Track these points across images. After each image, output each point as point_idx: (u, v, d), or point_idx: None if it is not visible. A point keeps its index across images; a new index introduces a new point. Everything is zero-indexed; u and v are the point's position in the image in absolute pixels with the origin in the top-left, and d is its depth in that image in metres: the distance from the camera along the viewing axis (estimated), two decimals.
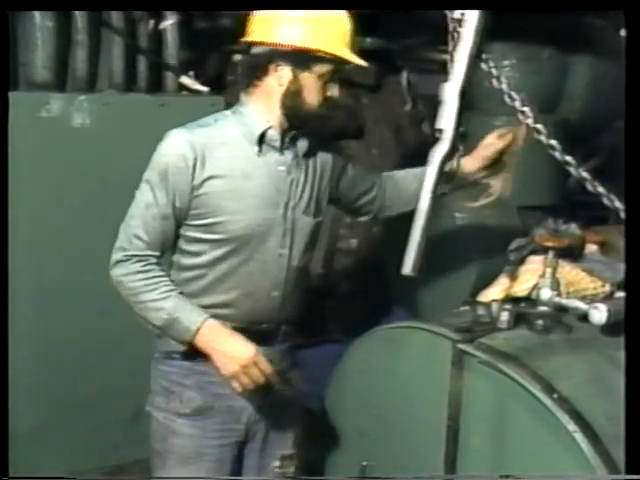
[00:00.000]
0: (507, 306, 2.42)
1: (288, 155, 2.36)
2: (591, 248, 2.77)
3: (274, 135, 2.33)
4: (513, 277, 2.63)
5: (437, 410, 2.36)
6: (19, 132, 3.16)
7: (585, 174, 2.25)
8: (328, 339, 3.68)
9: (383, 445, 2.59)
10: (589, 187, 2.32)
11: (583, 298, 2.51)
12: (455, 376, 2.32)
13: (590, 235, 2.81)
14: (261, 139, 2.33)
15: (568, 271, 2.59)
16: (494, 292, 2.63)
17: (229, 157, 2.30)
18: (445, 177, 2.32)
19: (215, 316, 2.32)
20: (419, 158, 3.93)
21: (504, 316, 2.40)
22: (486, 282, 2.73)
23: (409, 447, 2.50)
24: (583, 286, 2.60)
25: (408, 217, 2.79)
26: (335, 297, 3.71)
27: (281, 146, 2.35)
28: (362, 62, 2.33)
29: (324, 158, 2.48)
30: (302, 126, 2.37)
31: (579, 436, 2.08)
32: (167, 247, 2.35)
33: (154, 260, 2.31)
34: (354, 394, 2.72)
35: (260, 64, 2.30)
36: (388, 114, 3.98)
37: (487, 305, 2.44)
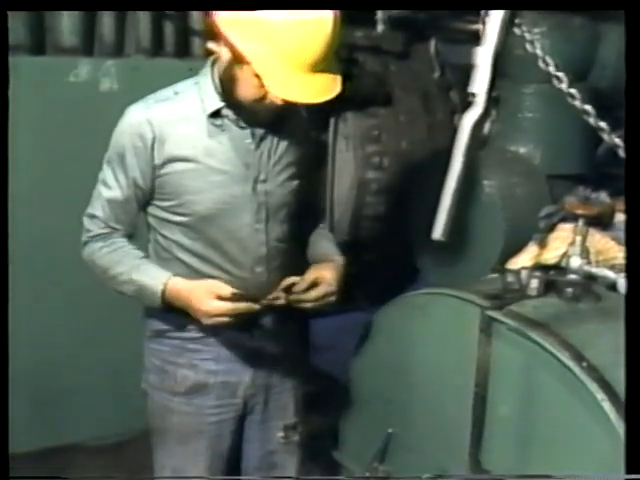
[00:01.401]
0: (537, 273, 2.40)
1: (257, 128, 2.27)
2: (620, 217, 2.75)
3: (230, 114, 2.24)
4: (543, 245, 2.61)
5: (464, 377, 2.35)
6: (47, 97, 3.20)
7: (618, 140, 2.24)
8: (354, 307, 3.68)
9: (410, 412, 2.59)
10: (621, 153, 2.30)
11: (612, 267, 2.49)
12: (483, 343, 2.31)
13: (620, 204, 2.78)
14: (217, 115, 2.23)
15: (598, 239, 2.57)
16: (523, 259, 2.61)
17: (190, 134, 2.22)
18: (477, 141, 2.29)
19: None
20: (447, 126, 3.97)
21: (534, 283, 2.38)
22: (515, 249, 2.71)
23: (436, 414, 2.49)
24: (612, 255, 2.58)
25: (435, 184, 2.79)
26: (361, 265, 3.70)
27: (241, 123, 2.25)
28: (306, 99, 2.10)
29: (301, 127, 2.39)
30: (245, 114, 2.24)
31: (607, 405, 2.07)
32: (131, 225, 2.32)
33: (117, 234, 2.30)
34: (381, 361, 2.71)
35: (215, 33, 2.13)
36: (416, 82, 3.95)
37: (516, 272, 2.43)
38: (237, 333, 2.36)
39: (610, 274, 2.41)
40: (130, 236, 2.34)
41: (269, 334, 2.43)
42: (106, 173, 2.30)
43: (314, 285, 2.30)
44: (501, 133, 3.15)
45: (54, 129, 3.24)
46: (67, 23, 3.36)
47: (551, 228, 2.65)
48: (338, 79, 2.12)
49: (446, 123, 3.89)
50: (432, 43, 4.10)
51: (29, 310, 3.12)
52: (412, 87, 3.93)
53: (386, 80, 3.84)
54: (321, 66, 2.07)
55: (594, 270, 2.43)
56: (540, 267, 2.50)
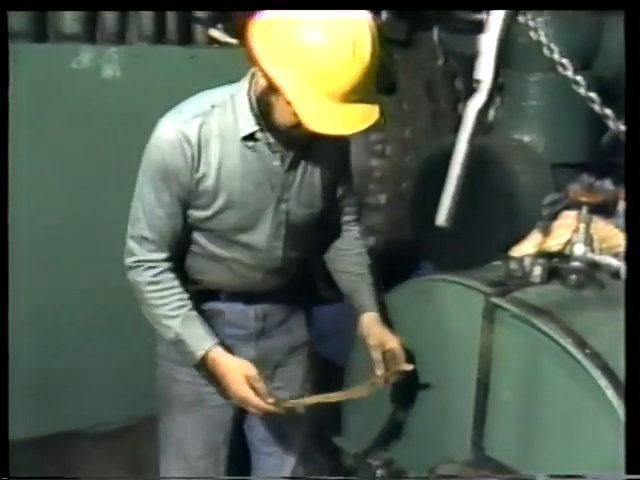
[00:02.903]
0: (540, 261, 2.39)
1: (288, 151, 2.26)
2: (624, 205, 2.74)
3: (262, 137, 2.23)
4: (546, 232, 2.59)
5: (467, 364, 2.35)
6: (49, 84, 3.20)
7: (623, 127, 2.23)
8: None
9: (412, 398, 2.58)
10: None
11: (616, 255, 2.47)
12: (486, 329, 2.30)
13: (624, 192, 2.77)
14: (250, 137, 2.22)
15: (602, 227, 2.56)
16: (527, 247, 2.60)
17: (222, 152, 2.22)
18: (481, 128, 2.28)
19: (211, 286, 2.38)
20: (451, 114, 3.96)
21: (537, 271, 2.37)
22: (519, 237, 2.70)
23: (438, 400, 2.49)
24: (616, 243, 2.56)
25: (439, 172, 2.79)
26: None
27: (273, 147, 2.25)
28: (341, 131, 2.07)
29: (328, 153, 2.35)
30: (279, 138, 2.23)
31: (610, 392, 2.06)
32: (176, 244, 2.32)
33: (165, 266, 2.31)
34: None
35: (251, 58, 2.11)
36: (420, 70, 3.96)
37: (520, 259, 2.42)
38: (243, 312, 2.45)
39: (614, 262, 2.40)
40: (175, 269, 2.33)
41: (275, 316, 2.51)
42: (148, 194, 2.26)
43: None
44: (505, 121, 3.14)
45: (56, 116, 3.24)
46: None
47: (555, 216, 2.63)
48: (375, 108, 2.08)
49: (450, 111, 3.88)
50: (435, 31, 4.09)
51: (29, 296, 3.11)
52: (416, 75, 3.93)
53: (390, 68, 3.84)
54: (356, 96, 2.03)
55: (598, 258, 2.42)
56: (544, 254, 2.48)
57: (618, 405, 2.04)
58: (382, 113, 2.09)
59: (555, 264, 2.43)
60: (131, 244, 2.31)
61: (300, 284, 2.59)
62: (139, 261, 2.30)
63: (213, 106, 2.23)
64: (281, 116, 2.13)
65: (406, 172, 3.64)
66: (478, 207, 3.01)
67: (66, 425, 3.36)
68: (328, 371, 2.92)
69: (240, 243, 2.35)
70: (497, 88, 2.31)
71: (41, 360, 3.29)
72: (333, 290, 2.67)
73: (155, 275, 2.29)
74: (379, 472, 2.42)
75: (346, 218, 2.58)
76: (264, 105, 2.17)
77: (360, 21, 2.02)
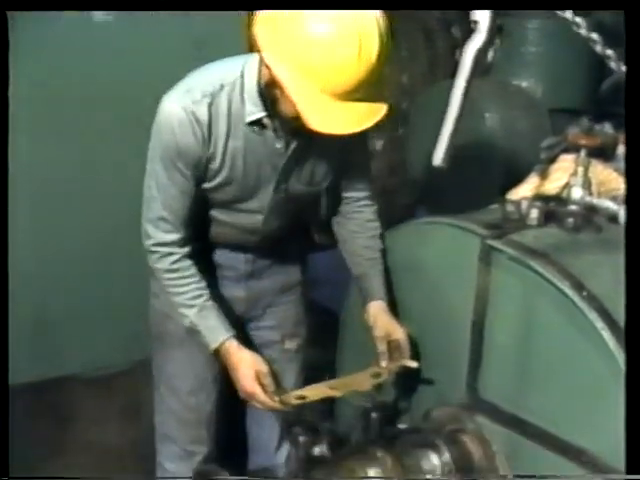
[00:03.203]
0: (537, 204, 2.37)
1: (293, 136, 2.25)
2: (624, 148, 2.71)
3: (268, 123, 2.21)
4: (544, 175, 2.57)
5: (463, 306, 2.34)
6: (41, 29, 3.16)
7: (624, 68, 2.20)
8: None
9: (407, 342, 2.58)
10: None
11: (614, 198, 2.46)
12: (482, 272, 2.29)
13: (623, 136, 2.75)
14: (256, 122, 2.21)
15: (600, 170, 2.53)
16: (524, 190, 2.58)
17: (228, 131, 2.21)
18: (479, 68, 2.25)
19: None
20: (448, 60, 3.93)
21: (534, 213, 2.35)
22: (516, 181, 2.68)
23: (434, 343, 2.49)
24: (614, 186, 2.54)
25: (434, 119, 2.76)
26: None
27: (279, 133, 2.23)
28: (342, 130, 2.04)
29: (336, 140, 2.23)
30: (284, 125, 2.21)
31: (607, 334, 2.05)
32: (191, 221, 2.32)
33: (183, 252, 2.31)
34: None
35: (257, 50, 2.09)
36: (417, 17, 3.92)
37: (517, 202, 2.40)
38: (234, 256, 2.48)
39: (612, 205, 2.38)
40: (192, 255, 2.34)
41: (265, 260, 2.54)
42: (159, 171, 2.25)
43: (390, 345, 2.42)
44: (504, 67, 3.12)
45: (49, 61, 3.22)
46: None
47: (553, 159, 2.61)
48: (382, 106, 2.06)
49: (447, 58, 3.87)
50: None
51: (28, 243, 3.11)
52: (413, 22, 3.90)
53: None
54: (361, 94, 2.00)
55: (595, 201, 2.40)
56: (541, 197, 2.46)
57: (614, 346, 2.03)
58: (390, 107, 2.09)
59: (552, 207, 2.41)
60: (147, 227, 2.31)
61: (294, 234, 2.60)
62: (155, 244, 2.31)
63: (222, 86, 2.20)
64: (285, 107, 2.11)
65: (403, 118, 3.62)
66: (476, 151, 2.99)
67: (63, 370, 3.38)
68: (323, 317, 2.93)
69: (239, 210, 2.36)
70: (496, 30, 2.27)
71: (38, 306, 3.30)
72: (327, 235, 2.66)
73: (173, 262, 2.30)
74: (373, 415, 2.42)
75: (358, 196, 2.56)
76: (270, 94, 2.15)
77: (368, 18, 1.99)
